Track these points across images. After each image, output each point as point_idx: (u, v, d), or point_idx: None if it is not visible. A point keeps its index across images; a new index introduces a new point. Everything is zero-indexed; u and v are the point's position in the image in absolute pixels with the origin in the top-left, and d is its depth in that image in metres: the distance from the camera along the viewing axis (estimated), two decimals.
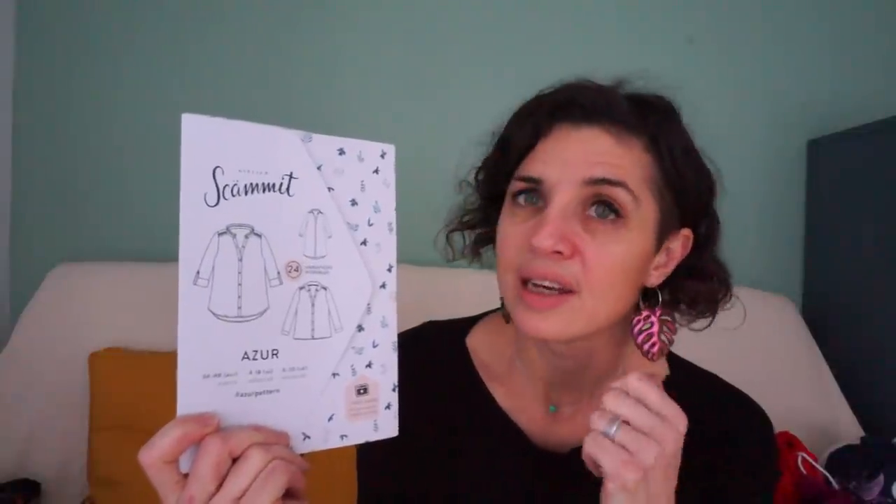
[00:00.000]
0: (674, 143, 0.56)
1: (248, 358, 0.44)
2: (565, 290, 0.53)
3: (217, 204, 0.43)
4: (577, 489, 0.56)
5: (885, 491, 1.11)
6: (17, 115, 1.61)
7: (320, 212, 0.48)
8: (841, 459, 1.19)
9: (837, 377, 1.44)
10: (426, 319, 0.75)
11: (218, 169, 0.43)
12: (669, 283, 0.60)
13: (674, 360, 0.67)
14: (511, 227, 0.57)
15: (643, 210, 0.54)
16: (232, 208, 0.44)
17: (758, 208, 1.66)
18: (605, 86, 0.59)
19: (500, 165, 0.61)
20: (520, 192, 0.57)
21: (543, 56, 1.59)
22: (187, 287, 0.42)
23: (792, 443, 1.23)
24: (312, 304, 0.47)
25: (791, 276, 1.65)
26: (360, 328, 0.50)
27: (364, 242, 0.50)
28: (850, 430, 1.36)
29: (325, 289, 0.48)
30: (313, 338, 0.47)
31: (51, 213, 1.62)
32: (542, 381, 0.63)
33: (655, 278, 0.58)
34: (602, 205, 0.54)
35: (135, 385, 1.32)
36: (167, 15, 1.63)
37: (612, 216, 0.54)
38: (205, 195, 0.43)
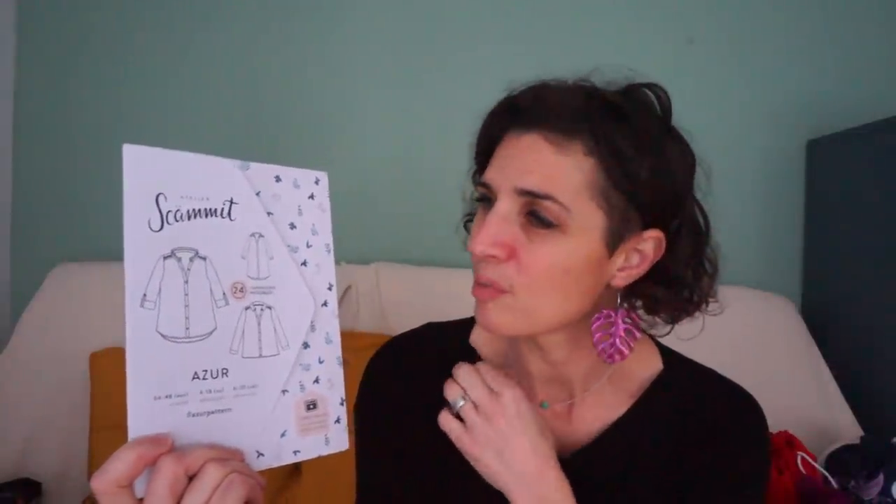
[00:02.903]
0: (619, 141, 0.53)
1: (198, 378, 0.45)
2: (497, 289, 0.55)
3: (161, 229, 0.45)
4: (580, 478, 0.59)
5: (885, 490, 1.11)
6: (18, 115, 1.62)
7: (261, 235, 0.50)
8: (840, 459, 1.19)
9: (836, 377, 1.44)
10: (427, 319, 0.76)
11: (161, 195, 0.46)
12: (637, 284, 0.59)
13: (667, 354, 0.67)
14: (473, 230, 0.59)
15: (582, 217, 0.53)
16: (176, 233, 0.46)
17: (757, 208, 1.66)
18: (554, 87, 0.57)
19: (479, 166, 0.64)
20: (480, 198, 0.59)
21: (544, 56, 1.59)
22: (134, 310, 0.43)
23: (791, 442, 1.23)
24: (259, 324, 0.49)
25: (790, 276, 1.65)
26: (305, 345, 0.52)
27: (304, 263, 0.54)
28: (849, 429, 1.36)
29: (269, 308, 0.50)
30: (261, 356, 0.49)
31: (51, 213, 1.63)
32: (532, 376, 0.65)
33: (620, 280, 0.57)
34: (533, 215, 0.54)
35: None
36: (167, 15, 1.63)
37: (546, 225, 0.54)
38: (149, 221, 0.45)
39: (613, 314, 0.58)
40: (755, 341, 1.45)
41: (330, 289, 0.55)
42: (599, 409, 0.64)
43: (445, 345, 0.69)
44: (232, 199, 0.49)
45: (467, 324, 0.71)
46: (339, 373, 0.53)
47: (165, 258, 0.45)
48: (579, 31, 1.62)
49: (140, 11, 1.62)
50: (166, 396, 0.44)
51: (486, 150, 0.60)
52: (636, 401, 0.64)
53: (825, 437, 1.33)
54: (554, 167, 0.53)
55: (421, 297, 1.44)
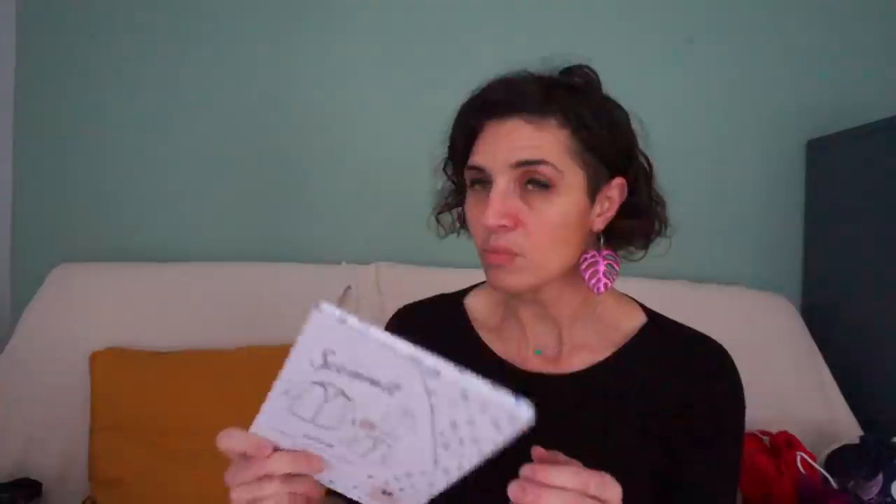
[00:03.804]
0: (583, 112, 0.66)
1: (308, 437, 0.52)
2: (512, 254, 0.65)
3: (320, 367, 0.46)
4: (567, 407, 0.69)
5: (884, 490, 1.11)
6: (18, 115, 1.62)
7: (413, 415, 0.47)
8: (840, 459, 1.19)
9: (836, 377, 1.44)
10: None
11: (329, 352, 0.45)
12: (613, 224, 0.71)
13: (649, 312, 0.77)
14: (473, 209, 0.69)
15: (569, 176, 0.65)
16: (332, 377, 0.46)
17: (757, 208, 1.66)
18: (518, 79, 0.69)
19: (455, 159, 0.74)
20: (474, 181, 0.69)
21: (544, 55, 1.59)
22: (278, 397, 0.49)
23: (791, 442, 1.23)
24: (372, 447, 0.51)
25: (790, 276, 1.65)
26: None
27: (446, 447, 0.49)
28: (848, 429, 1.36)
29: (388, 446, 0.50)
30: (361, 458, 0.53)
31: (51, 213, 1.63)
32: (526, 328, 0.74)
33: (599, 224, 0.70)
34: (532, 182, 0.65)
35: (135, 385, 1.32)
36: (168, 15, 1.63)
37: (543, 189, 0.65)
38: (311, 360, 0.46)
39: (596, 254, 0.70)
40: (755, 341, 1.45)
41: (458, 469, 0.51)
42: (585, 353, 0.73)
43: (444, 306, 0.81)
44: (401, 385, 0.46)
45: (468, 289, 0.83)
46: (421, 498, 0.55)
47: (314, 383, 0.47)
48: (580, 31, 1.62)
49: (141, 12, 1.62)
50: (295, 415, 0.50)
51: (465, 142, 0.70)
52: (620, 347, 0.73)
53: (825, 437, 1.33)
54: (538, 140, 0.65)
55: (421, 297, 1.44)
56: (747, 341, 1.45)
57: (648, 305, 0.81)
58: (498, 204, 0.64)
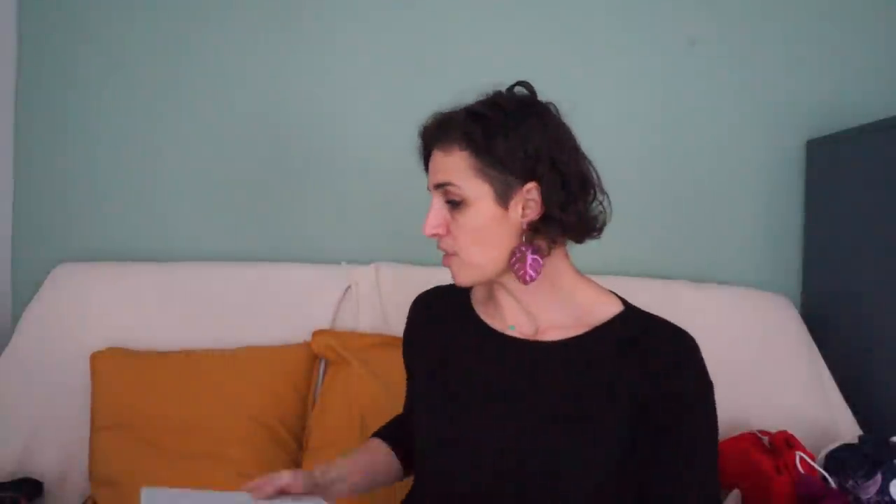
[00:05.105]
0: (478, 137, 0.77)
1: None
2: (450, 254, 0.81)
3: None
4: (542, 367, 0.81)
5: (883, 489, 1.12)
6: (19, 115, 1.62)
7: None
8: (838, 458, 1.19)
9: (835, 376, 1.45)
10: None
11: None
12: (542, 221, 0.79)
13: (626, 303, 0.84)
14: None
15: (474, 190, 0.78)
16: None
17: (757, 208, 1.66)
18: (444, 114, 0.82)
19: None
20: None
21: (545, 57, 1.59)
22: None
23: (790, 442, 1.23)
24: None
25: (790, 276, 1.65)
26: None
27: None
28: (848, 429, 1.37)
29: None
30: None
31: (51, 213, 1.63)
32: (503, 308, 0.86)
33: (526, 223, 0.79)
34: (448, 201, 0.80)
35: (135, 385, 1.32)
36: (168, 16, 1.63)
37: (456, 205, 0.79)
38: None
39: (524, 248, 0.79)
40: (755, 341, 1.45)
41: None
42: (560, 331, 0.82)
43: (454, 292, 0.93)
44: None
45: None
46: None
47: None
48: (579, 33, 1.61)
49: (141, 12, 1.63)
50: None
51: (426, 164, 0.85)
52: (594, 327, 0.81)
53: (824, 436, 1.34)
54: (447, 164, 0.79)
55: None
56: (747, 341, 1.45)
57: (648, 305, 0.83)
58: (431, 218, 0.81)
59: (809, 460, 1.19)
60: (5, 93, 1.60)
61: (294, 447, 1.33)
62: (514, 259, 0.79)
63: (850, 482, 1.16)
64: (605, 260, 1.43)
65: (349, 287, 1.50)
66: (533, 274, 0.78)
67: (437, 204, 0.81)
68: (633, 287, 1.44)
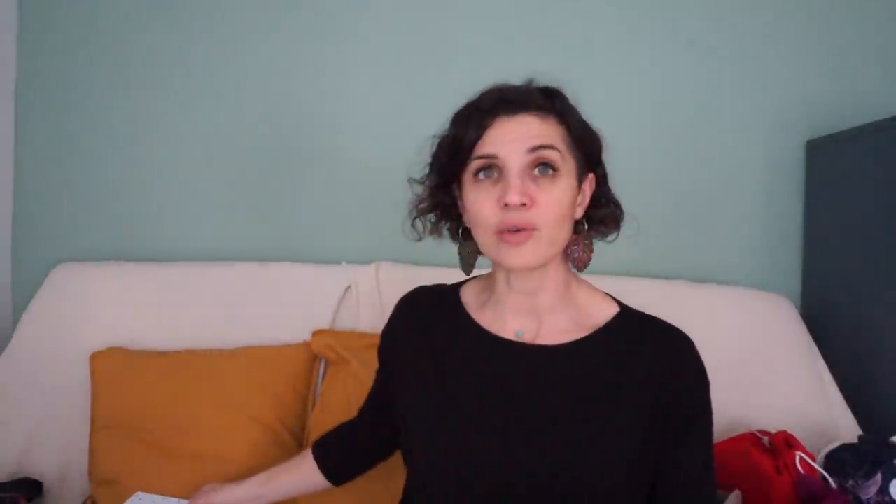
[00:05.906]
0: (573, 117, 0.79)
1: None
2: (530, 229, 0.74)
3: None
4: (543, 372, 0.79)
5: (883, 489, 1.12)
6: (19, 115, 1.62)
7: None
8: (838, 458, 1.19)
9: (836, 376, 1.45)
10: None
11: None
12: (587, 213, 0.83)
13: (621, 304, 0.85)
14: (482, 194, 0.77)
15: (568, 163, 0.77)
16: None
17: (757, 208, 1.66)
18: (521, 85, 0.81)
19: (454, 157, 0.79)
20: (480, 170, 0.77)
21: (545, 58, 1.59)
22: None
23: (790, 442, 1.23)
24: None
25: (789, 276, 1.65)
26: None
27: None
28: (848, 429, 1.37)
29: None
30: None
31: (51, 213, 1.63)
32: (509, 313, 0.84)
33: (579, 213, 0.81)
34: (542, 165, 0.75)
35: (135, 385, 1.32)
36: (168, 15, 1.63)
37: (550, 172, 0.75)
38: None
39: (577, 237, 0.82)
40: (755, 341, 1.45)
41: None
42: (561, 335, 0.81)
43: (443, 294, 0.91)
44: None
45: (461, 283, 0.93)
46: None
47: None
48: (579, 34, 1.62)
49: (141, 11, 1.63)
50: None
51: (470, 139, 0.77)
52: (593, 331, 0.81)
53: (824, 436, 1.34)
54: (546, 130, 0.77)
55: None
56: (747, 341, 1.45)
57: (648, 306, 0.84)
58: (519, 184, 0.73)
59: (809, 460, 1.19)
60: (5, 93, 1.60)
61: (294, 447, 1.33)
62: (569, 246, 0.81)
63: (850, 482, 1.16)
64: (604, 260, 1.42)
65: (349, 287, 1.50)
66: (586, 261, 0.81)
67: (520, 170, 0.74)
68: (633, 287, 1.45)
